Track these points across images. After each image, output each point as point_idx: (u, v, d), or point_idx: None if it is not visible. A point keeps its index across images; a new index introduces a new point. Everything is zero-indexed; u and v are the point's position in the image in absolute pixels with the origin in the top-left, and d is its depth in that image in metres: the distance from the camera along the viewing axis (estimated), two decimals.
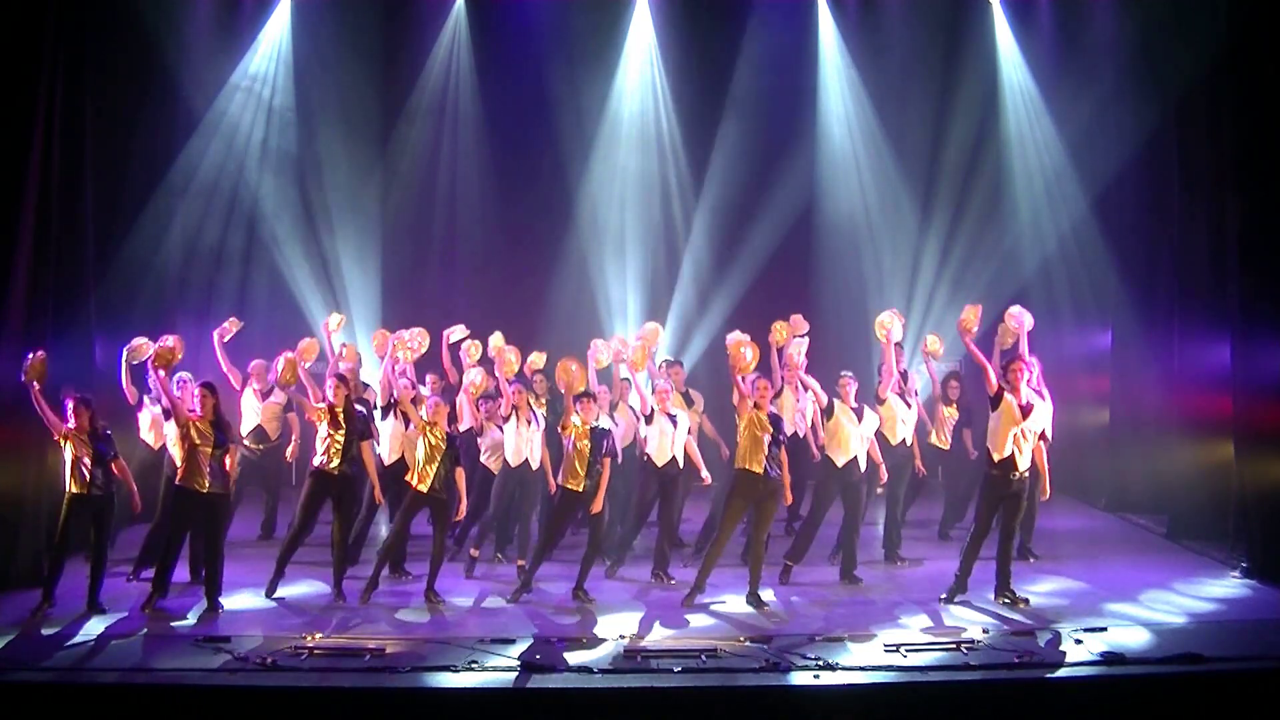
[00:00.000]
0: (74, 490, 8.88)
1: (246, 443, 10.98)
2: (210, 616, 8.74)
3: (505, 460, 10.10)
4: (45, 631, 8.37)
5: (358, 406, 9.67)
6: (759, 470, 9.01)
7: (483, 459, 10.35)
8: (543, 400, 10.67)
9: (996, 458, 8.97)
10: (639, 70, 14.27)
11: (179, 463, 8.99)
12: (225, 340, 10.74)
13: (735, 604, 9.11)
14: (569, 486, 9.29)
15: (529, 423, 10.11)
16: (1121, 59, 12.46)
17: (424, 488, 9.23)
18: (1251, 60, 10.03)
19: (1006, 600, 8.96)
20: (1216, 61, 10.52)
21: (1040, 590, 9.38)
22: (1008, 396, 8.89)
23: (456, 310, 14.32)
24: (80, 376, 10.63)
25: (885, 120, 14.14)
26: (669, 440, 9.85)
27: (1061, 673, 7.43)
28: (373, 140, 14.24)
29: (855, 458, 9.73)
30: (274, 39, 13.60)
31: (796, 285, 14.58)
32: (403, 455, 9.91)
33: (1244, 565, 9.81)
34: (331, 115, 13.90)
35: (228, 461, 9.07)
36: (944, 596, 9.07)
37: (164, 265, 12.57)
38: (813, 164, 14.37)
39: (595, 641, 8.07)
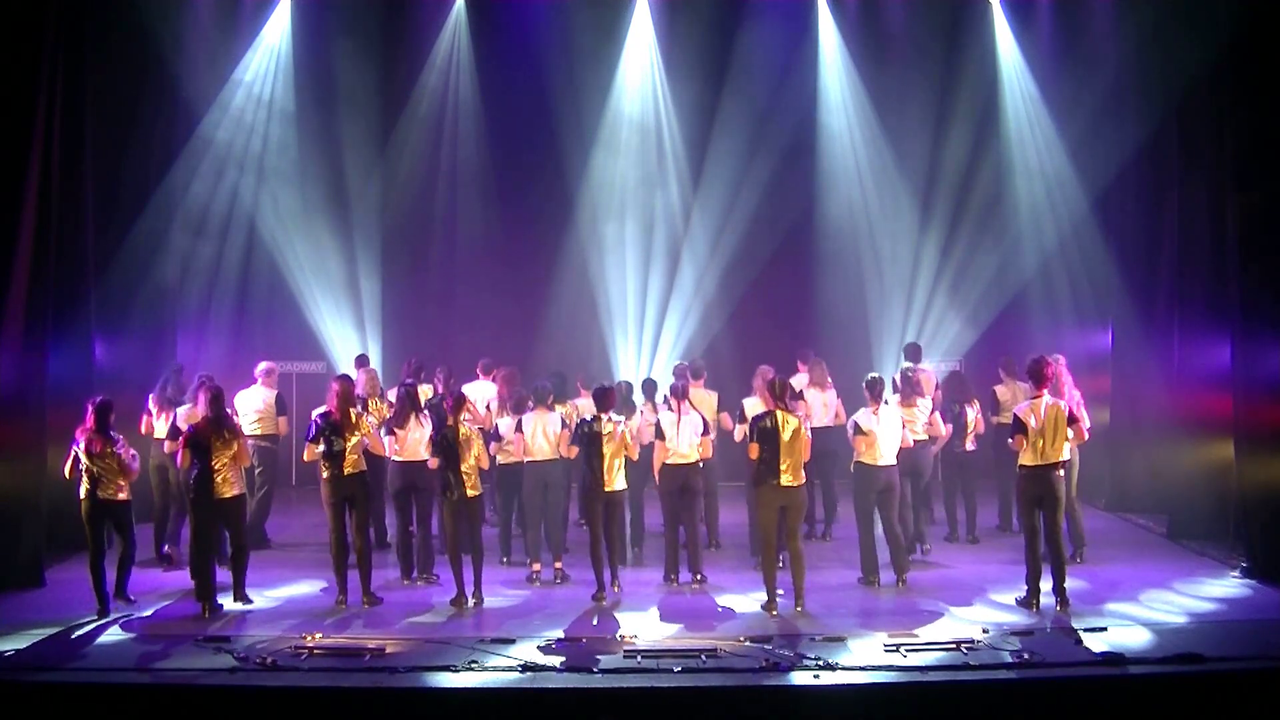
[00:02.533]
0: (119, 495, 9.02)
1: (263, 443, 10.99)
2: (236, 615, 8.82)
3: (528, 462, 10.02)
4: (45, 631, 8.39)
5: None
6: (768, 481, 8.97)
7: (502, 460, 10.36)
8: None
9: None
10: (639, 70, 14.28)
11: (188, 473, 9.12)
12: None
13: (735, 604, 9.12)
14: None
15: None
16: (1122, 58, 12.44)
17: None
18: (1253, 59, 10.02)
19: (1034, 601, 8.90)
20: (1217, 61, 10.49)
21: (1041, 590, 9.36)
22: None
23: (456, 309, 14.44)
24: (80, 376, 10.68)
25: (885, 120, 14.13)
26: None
27: (1061, 673, 7.42)
28: (372, 139, 14.24)
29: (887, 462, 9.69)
30: (274, 39, 13.61)
31: (797, 285, 14.59)
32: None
33: (1244, 565, 9.80)
34: (331, 115, 13.90)
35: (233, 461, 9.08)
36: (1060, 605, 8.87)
37: (164, 265, 12.57)
38: (813, 164, 14.37)
39: (595, 641, 8.08)
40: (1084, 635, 8.03)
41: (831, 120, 14.34)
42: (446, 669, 7.42)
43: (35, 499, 9.72)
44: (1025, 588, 8.96)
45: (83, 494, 8.94)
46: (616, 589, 9.34)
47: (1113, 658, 7.57)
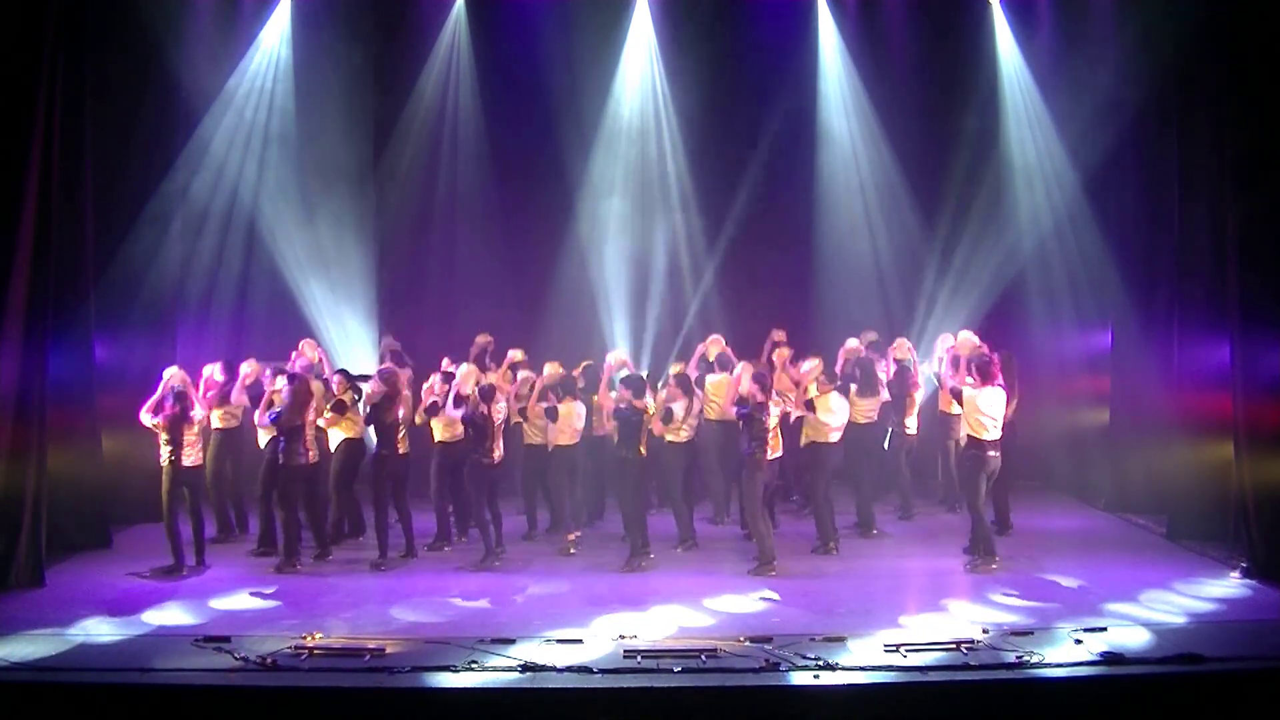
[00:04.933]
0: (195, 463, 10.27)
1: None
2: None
3: (555, 447, 11.00)
4: (45, 631, 8.40)
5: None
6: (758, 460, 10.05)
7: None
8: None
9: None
10: (639, 70, 14.28)
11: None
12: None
13: (735, 604, 9.12)
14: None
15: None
16: (1122, 59, 12.43)
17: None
18: (1253, 60, 10.02)
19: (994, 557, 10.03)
20: (1217, 60, 10.49)
21: (1040, 590, 9.40)
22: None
23: (456, 306, 14.43)
24: (80, 376, 10.68)
25: (885, 119, 14.13)
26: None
27: (1061, 673, 7.43)
28: (373, 139, 14.23)
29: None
30: (274, 39, 13.58)
31: (797, 284, 14.58)
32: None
33: (1244, 565, 9.81)
34: (331, 115, 13.87)
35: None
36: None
37: (164, 265, 12.54)
38: (813, 163, 14.36)
39: (595, 641, 8.08)
40: (1084, 635, 8.03)
41: (831, 119, 14.33)
42: (446, 669, 7.43)
43: (35, 499, 9.71)
44: (973, 549, 10.14)
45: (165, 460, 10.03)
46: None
47: (1113, 658, 7.58)
